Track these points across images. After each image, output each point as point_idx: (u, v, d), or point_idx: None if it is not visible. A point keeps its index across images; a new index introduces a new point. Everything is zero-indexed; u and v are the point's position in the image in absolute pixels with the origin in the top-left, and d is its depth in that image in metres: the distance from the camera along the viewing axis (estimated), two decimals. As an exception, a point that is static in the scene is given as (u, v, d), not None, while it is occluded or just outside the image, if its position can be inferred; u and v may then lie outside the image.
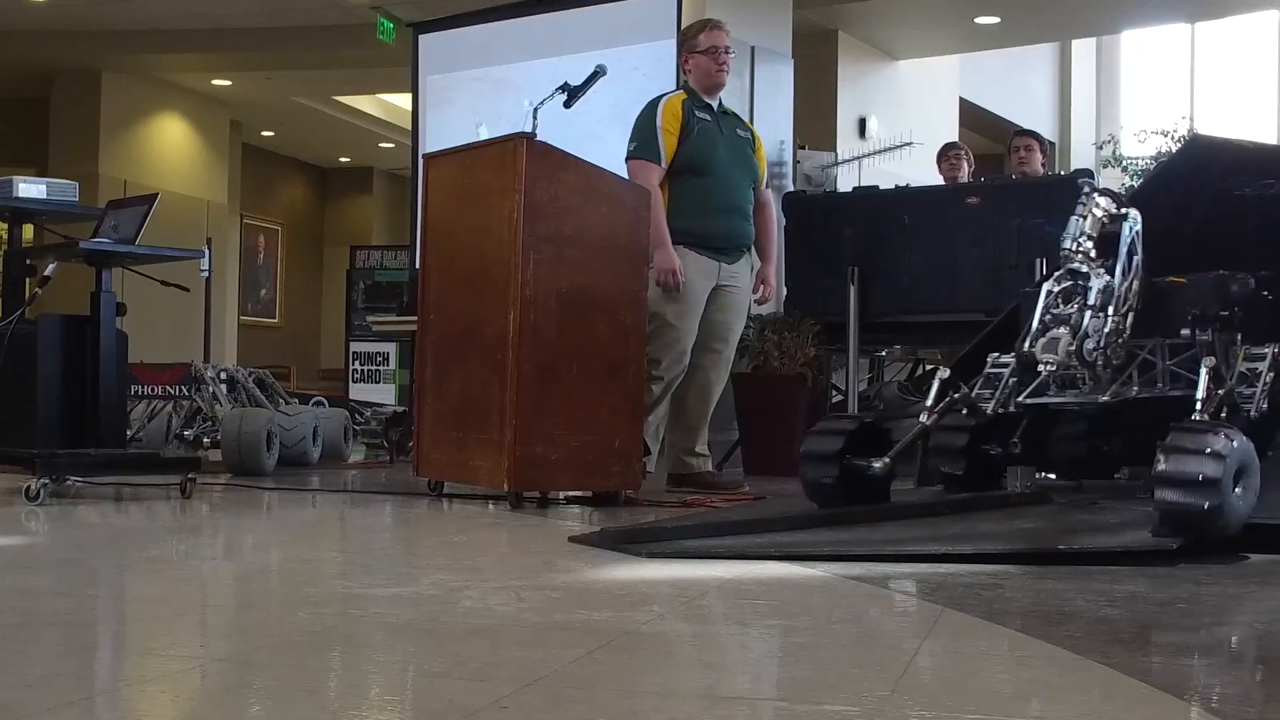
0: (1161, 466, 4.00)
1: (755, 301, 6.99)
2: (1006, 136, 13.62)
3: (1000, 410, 5.08)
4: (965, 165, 9.35)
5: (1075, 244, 4.87)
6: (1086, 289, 4.82)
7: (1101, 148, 18.57)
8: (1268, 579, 3.76)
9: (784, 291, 8.70)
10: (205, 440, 8.21)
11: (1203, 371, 4.56)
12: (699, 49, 6.60)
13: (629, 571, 3.83)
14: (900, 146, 10.21)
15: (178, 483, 6.01)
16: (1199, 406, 4.44)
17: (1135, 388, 4.93)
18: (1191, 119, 18.70)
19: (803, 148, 9.91)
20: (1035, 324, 4.87)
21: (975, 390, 5.09)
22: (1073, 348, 4.72)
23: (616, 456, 5.70)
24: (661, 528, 4.64)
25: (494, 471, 5.47)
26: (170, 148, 15.32)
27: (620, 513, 5.54)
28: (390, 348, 13.74)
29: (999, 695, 2.37)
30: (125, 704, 2.33)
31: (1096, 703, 2.35)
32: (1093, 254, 4.85)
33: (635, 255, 5.83)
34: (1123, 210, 4.98)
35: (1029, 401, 4.98)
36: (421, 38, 9.69)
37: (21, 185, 6.17)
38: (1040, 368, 4.82)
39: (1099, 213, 4.92)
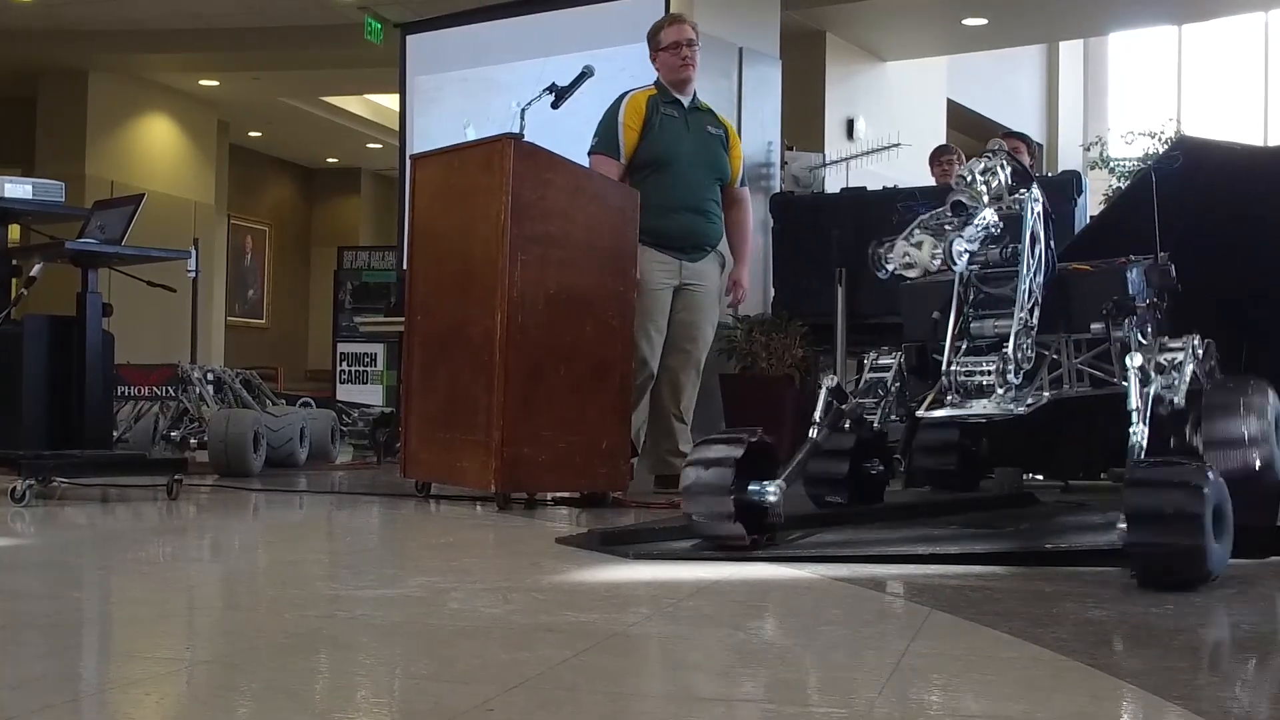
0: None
1: (727, 305, 6.91)
2: (991, 138, 13.60)
3: (892, 420, 4.77)
4: (957, 168, 9.34)
5: (966, 178, 4.30)
6: (969, 215, 4.22)
7: (1089, 149, 18.61)
8: (1254, 581, 3.76)
9: (772, 292, 8.70)
10: (192, 441, 8.20)
11: (1132, 376, 4.13)
12: (662, 46, 6.54)
13: (616, 573, 3.82)
14: (888, 148, 10.23)
15: (164, 484, 6.00)
16: (1133, 417, 4.03)
17: (1046, 393, 4.46)
18: (1179, 120, 18.75)
19: (790, 149, 9.92)
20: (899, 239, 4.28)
21: (856, 399, 4.72)
22: (938, 250, 4.11)
23: (603, 457, 5.69)
24: (648, 529, 4.64)
25: (481, 472, 5.46)
26: (157, 148, 15.29)
27: (607, 514, 5.54)
28: (378, 348, 13.74)
29: (987, 697, 2.37)
30: (110, 707, 2.32)
31: (1084, 705, 2.35)
32: (985, 199, 4.26)
33: (623, 256, 5.83)
34: (1024, 191, 4.40)
35: (931, 415, 4.52)
36: (409, 38, 9.68)
37: (7, 185, 6.14)
38: (892, 269, 4.22)
39: (1003, 176, 4.34)
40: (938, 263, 4.14)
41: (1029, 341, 4.35)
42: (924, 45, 13.47)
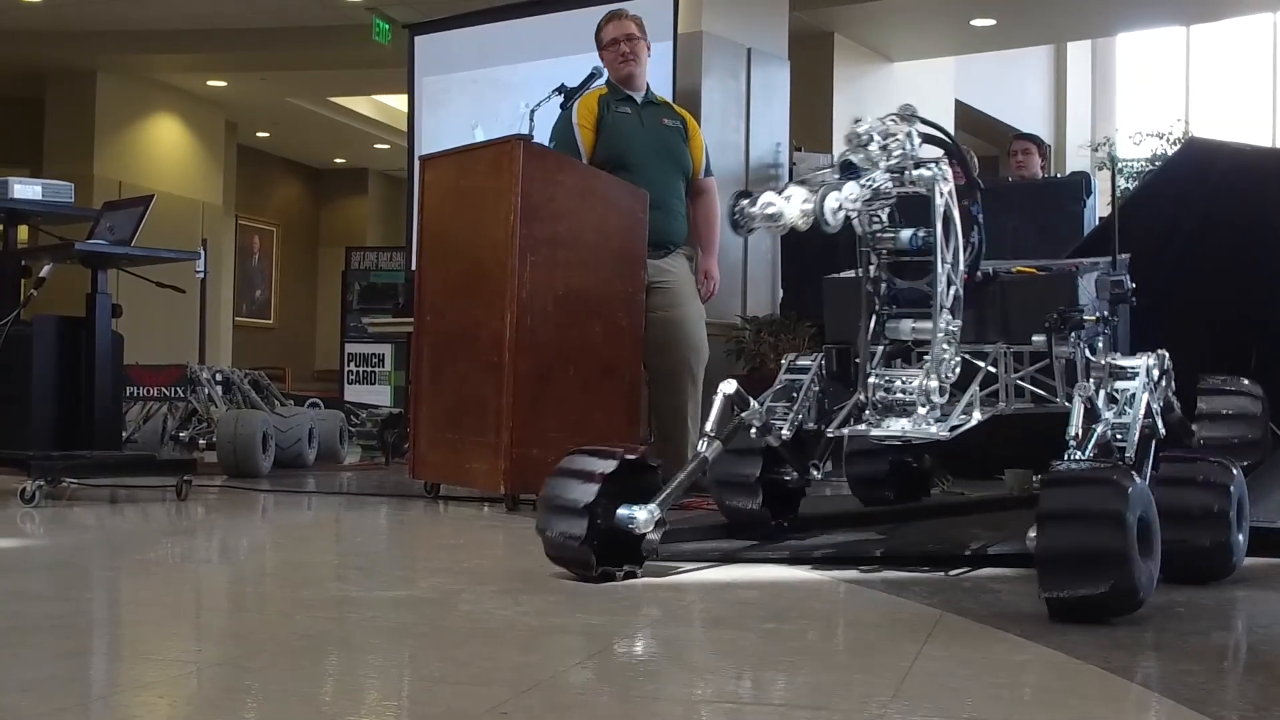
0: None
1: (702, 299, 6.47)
2: (1001, 139, 13.62)
3: (803, 430, 4.20)
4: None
5: (863, 136, 3.69)
6: (855, 173, 3.64)
7: (1096, 150, 18.59)
8: (1265, 583, 3.75)
9: (780, 293, 8.70)
10: (200, 442, 8.20)
11: (1076, 401, 3.70)
12: (603, 44, 6.43)
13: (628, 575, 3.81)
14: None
15: (173, 485, 6.00)
16: (1071, 445, 3.60)
17: (977, 413, 3.91)
18: (1186, 121, 18.73)
19: (799, 149, 9.90)
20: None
21: (768, 403, 4.18)
22: (809, 203, 3.53)
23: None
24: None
25: (490, 474, 5.46)
26: (165, 148, 15.29)
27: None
28: (385, 349, 13.72)
29: (1000, 701, 2.36)
30: (122, 709, 2.32)
31: (1097, 708, 2.34)
32: (882, 163, 3.65)
33: (631, 258, 5.82)
34: (933, 166, 3.73)
35: (840, 433, 4.05)
36: (417, 39, 9.67)
37: (17, 186, 6.15)
38: (754, 224, 3.66)
39: (909, 145, 3.70)
40: (808, 220, 3.55)
41: (953, 350, 3.81)
42: (932, 46, 13.44)
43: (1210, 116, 19.54)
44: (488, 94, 8.90)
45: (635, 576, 3.70)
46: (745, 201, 3.65)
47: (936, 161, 3.73)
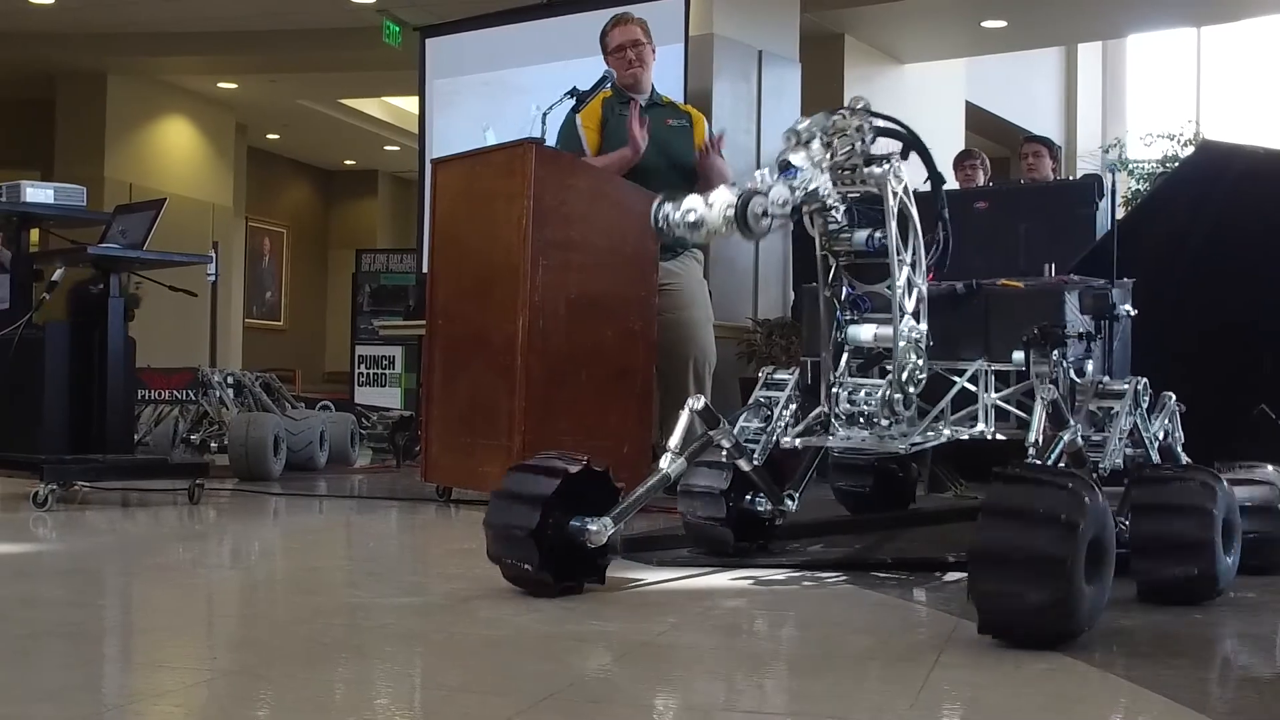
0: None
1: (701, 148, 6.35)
2: (1012, 140, 13.60)
3: (779, 452, 4.02)
4: (981, 174, 9.31)
5: (802, 135, 3.46)
6: (792, 171, 3.40)
7: (1107, 152, 18.55)
8: (1282, 589, 3.73)
9: (791, 296, 8.68)
10: (212, 445, 8.20)
11: (1037, 404, 3.49)
12: (609, 49, 6.41)
13: (641, 580, 3.80)
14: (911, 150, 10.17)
15: (185, 488, 6.00)
16: (1030, 452, 3.40)
17: (946, 431, 3.76)
18: (1198, 123, 18.68)
19: (810, 151, 9.88)
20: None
21: (740, 422, 3.98)
22: (732, 209, 3.26)
23: (625, 463, 5.66)
24: (672, 535, 4.58)
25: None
26: (175, 151, 15.30)
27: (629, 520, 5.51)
28: (396, 351, 13.73)
29: (1022, 711, 2.35)
30: (141, 718, 2.31)
31: (1118, 718, 2.33)
32: (825, 162, 3.43)
33: (644, 261, 5.81)
34: (886, 163, 3.50)
35: (795, 444, 3.93)
36: (428, 41, 9.66)
37: (29, 190, 6.15)
38: (675, 230, 3.40)
39: (858, 144, 3.47)
40: (732, 228, 3.28)
41: (920, 358, 3.60)
42: (942, 48, 13.43)
43: (1222, 118, 19.50)
44: (498, 96, 8.90)
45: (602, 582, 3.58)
46: (669, 206, 3.41)
47: (888, 158, 3.50)
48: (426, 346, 6.07)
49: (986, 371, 3.80)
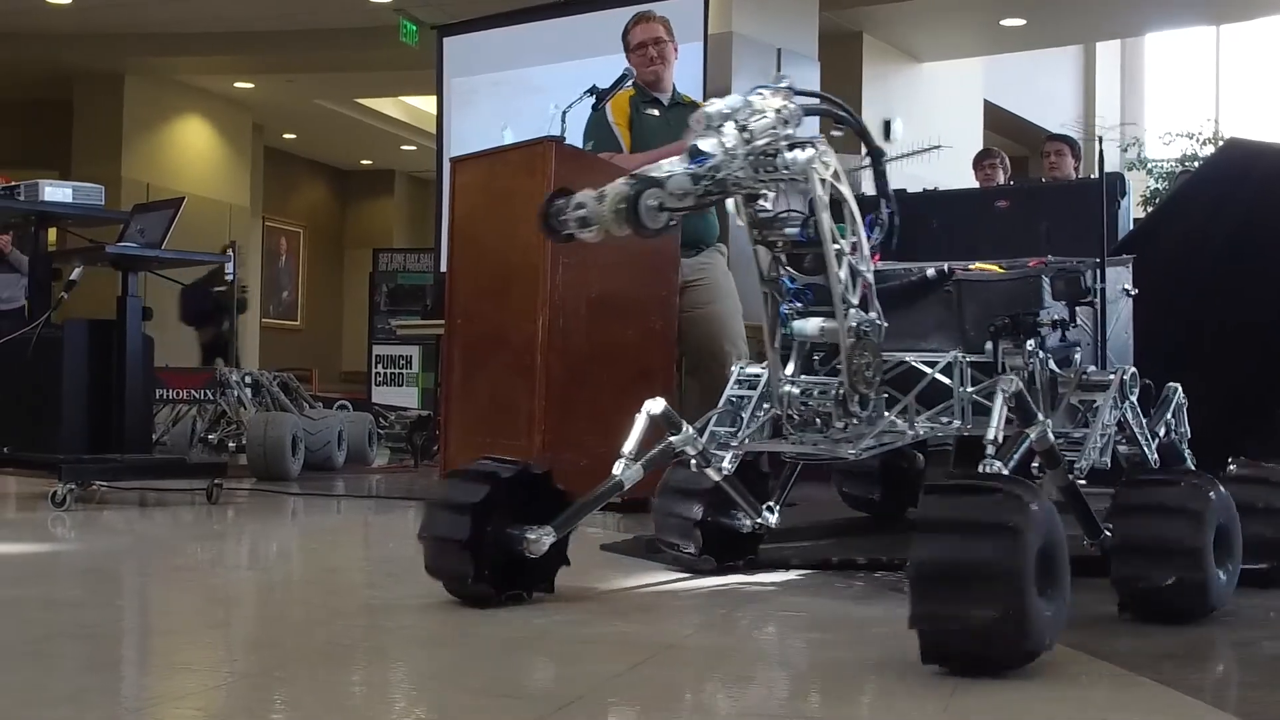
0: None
1: None
2: (1030, 139, 13.54)
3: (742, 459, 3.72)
4: (1001, 173, 9.26)
5: (713, 117, 3.11)
6: (701, 159, 3.04)
7: (1126, 150, 18.48)
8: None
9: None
10: (229, 444, 8.19)
11: (997, 399, 3.12)
12: (631, 47, 6.36)
13: (663, 581, 3.77)
14: (928, 149, 10.14)
15: (203, 488, 5.98)
16: (988, 451, 3.02)
17: (909, 431, 3.44)
18: (1217, 121, 18.60)
19: (829, 150, 9.84)
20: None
21: (710, 427, 3.62)
22: (624, 204, 2.94)
23: (646, 463, 5.64)
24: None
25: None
26: (192, 151, 15.31)
27: (650, 519, 5.48)
28: (413, 351, 13.70)
29: (1052, 717, 2.31)
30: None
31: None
32: (741, 148, 3.07)
33: (665, 260, 5.76)
34: (812, 147, 3.17)
35: (755, 449, 3.68)
36: (445, 40, 9.65)
37: (47, 189, 6.14)
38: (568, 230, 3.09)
39: (781, 125, 3.15)
40: (623, 224, 2.96)
41: (870, 355, 3.29)
42: (961, 46, 13.39)
43: (1241, 117, 19.41)
44: (516, 95, 8.88)
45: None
46: (560, 201, 3.10)
47: (812, 141, 3.17)
48: (445, 346, 6.04)
49: (962, 364, 3.48)
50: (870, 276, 3.29)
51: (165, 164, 14.77)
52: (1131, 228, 7.56)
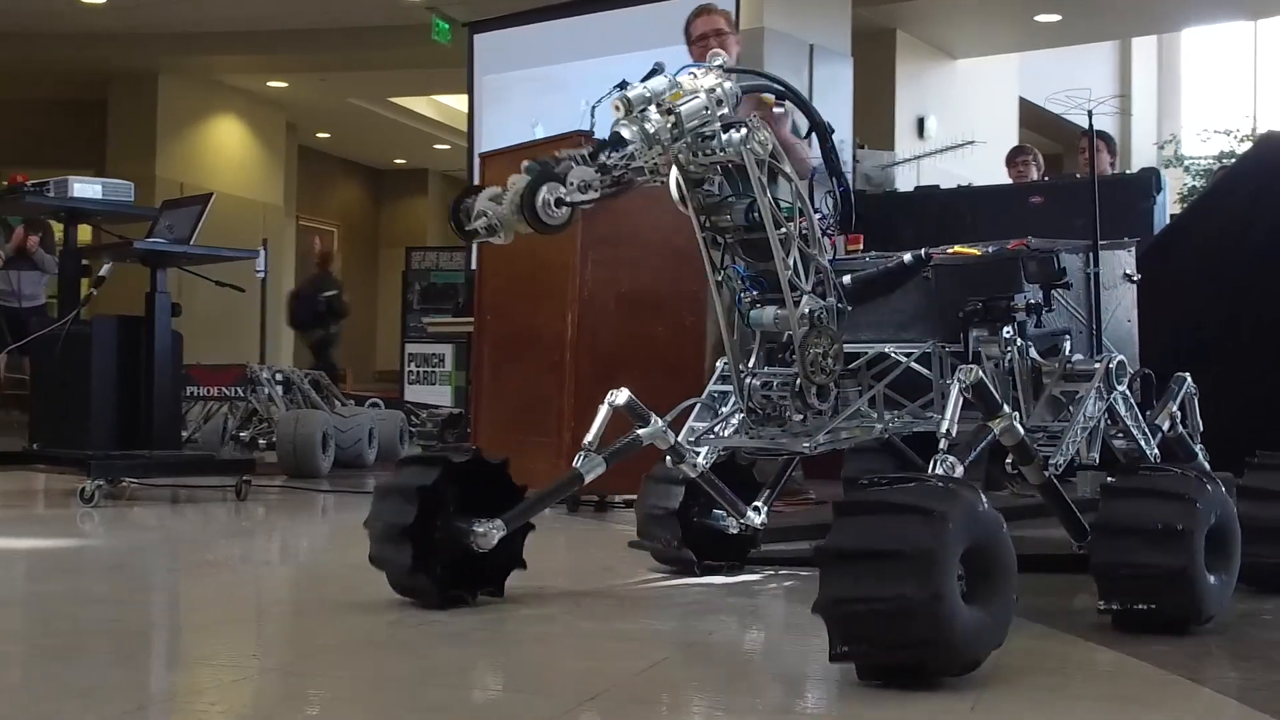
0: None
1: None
2: (1066, 136, 13.45)
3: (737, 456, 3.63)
4: (1035, 169, 9.19)
5: (627, 105, 2.95)
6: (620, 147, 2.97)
7: (1163, 147, 18.35)
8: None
9: (843, 292, 8.60)
10: (260, 442, 8.19)
11: (953, 389, 2.86)
12: (691, 40, 6.36)
13: (690, 577, 3.73)
14: (962, 145, 10.08)
15: (233, 485, 5.97)
16: (941, 446, 2.75)
17: (877, 425, 3.29)
18: (1255, 118, 18.45)
19: (862, 147, 9.80)
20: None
21: (690, 422, 3.52)
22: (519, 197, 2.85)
23: (675, 459, 5.60)
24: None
25: (552, 474, 5.35)
26: (226, 150, 15.36)
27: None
28: (446, 349, 13.70)
29: (1083, 715, 2.27)
30: (176, 716, 2.26)
31: (1188, 722, 2.25)
32: (667, 131, 2.91)
33: (696, 255, 5.72)
34: (740, 124, 2.96)
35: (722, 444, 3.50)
36: (476, 37, 9.64)
37: (77, 185, 6.14)
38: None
39: (715, 104, 2.95)
40: (520, 219, 2.86)
41: (826, 343, 3.07)
42: (995, 42, 13.31)
43: (1279, 112, 19.24)
44: (547, 92, 8.86)
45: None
46: (468, 202, 2.98)
47: (745, 122, 2.97)
48: (475, 343, 6.03)
49: (941, 354, 3.28)
50: (825, 260, 3.11)
51: (199, 163, 14.82)
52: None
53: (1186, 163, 17.55)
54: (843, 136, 8.97)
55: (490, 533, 3.08)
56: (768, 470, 3.89)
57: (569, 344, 5.32)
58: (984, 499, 2.46)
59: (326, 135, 18.26)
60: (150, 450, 5.86)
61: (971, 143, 10.05)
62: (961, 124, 11.73)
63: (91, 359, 5.87)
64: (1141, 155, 18.03)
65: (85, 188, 6.17)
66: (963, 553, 2.36)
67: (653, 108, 2.91)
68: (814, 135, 3.37)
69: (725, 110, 2.96)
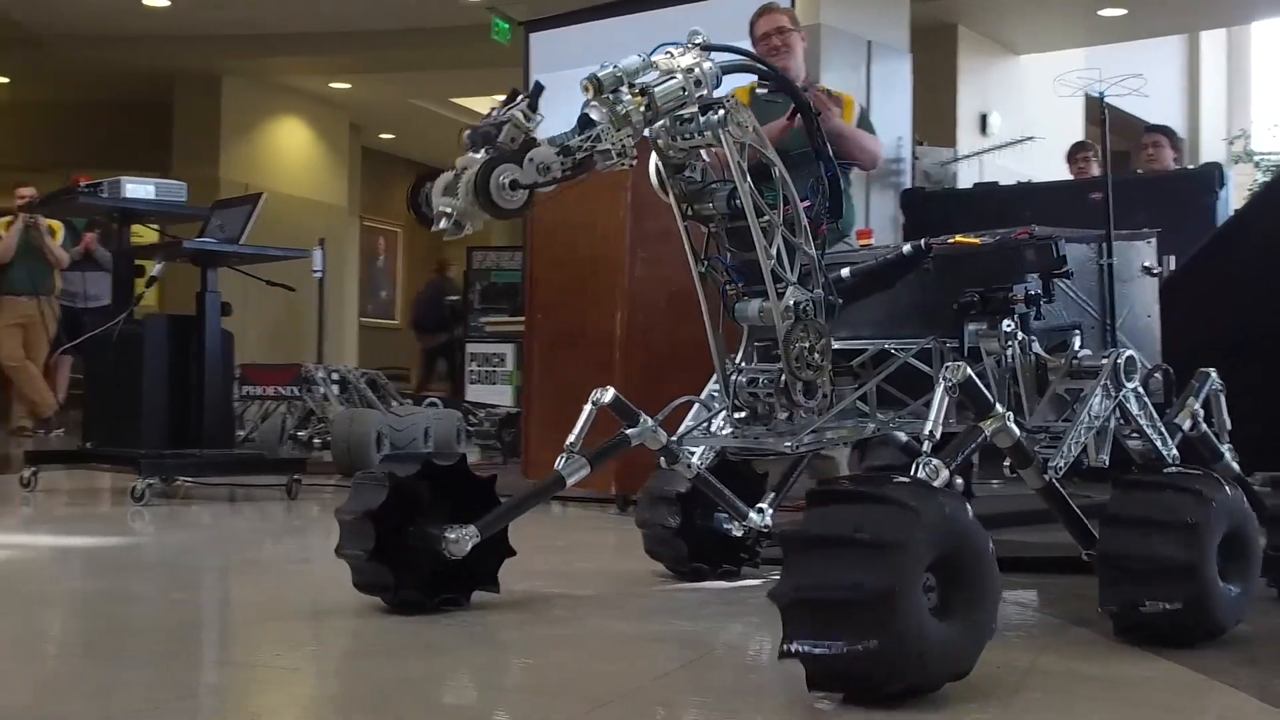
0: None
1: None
2: (1133, 132, 13.27)
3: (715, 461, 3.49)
4: (1095, 166, 9.08)
5: (598, 86, 2.80)
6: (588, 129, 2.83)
7: (1233, 143, 18.10)
8: None
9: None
10: (317, 441, 8.21)
11: (938, 389, 2.64)
12: (754, 39, 6.31)
13: (730, 578, 3.68)
14: (1019, 141, 9.98)
15: (284, 484, 5.99)
16: (924, 448, 2.53)
17: (871, 424, 3.18)
18: (1327, 112, 18.19)
19: (921, 144, 9.72)
20: None
21: (686, 421, 3.42)
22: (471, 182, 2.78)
23: (725, 459, 5.56)
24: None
25: (601, 474, 5.34)
26: (290, 151, 15.45)
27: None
28: (507, 349, 13.68)
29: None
30: (187, 716, 2.25)
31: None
32: (639, 114, 2.77)
33: (746, 253, 5.69)
34: (723, 109, 2.88)
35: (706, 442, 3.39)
36: (532, 36, 9.64)
37: (129, 185, 6.17)
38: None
39: (692, 85, 2.84)
40: (474, 205, 2.78)
41: (813, 337, 2.93)
42: (1059, 38, 13.15)
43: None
44: (602, 90, 8.83)
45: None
46: (428, 186, 2.90)
47: (721, 102, 2.87)
48: (526, 342, 6.02)
49: (941, 349, 3.12)
50: (811, 249, 2.97)
51: (263, 164, 14.91)
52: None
53: (1257, 158, 17.31)
54: (901, 133, 8.90)
55: (463, 540, 3.01)
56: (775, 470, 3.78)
57: (618, 343, 5.28)
58: (968, 508, 2.33)
59: (390, 136, 18.33)
60: (201, 449, 5.88)
61: (1030, 138, 9.95)
62: (1026, 121, 11.61)
63: (143, 358, 5.89)
64: (1210, 151, 17.79)
65: (137, 188, 6.19)
66: (934, 561, 2.23)
67: (624, 88, 2.79)
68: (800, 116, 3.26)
69: (704, 91, 2.85)
